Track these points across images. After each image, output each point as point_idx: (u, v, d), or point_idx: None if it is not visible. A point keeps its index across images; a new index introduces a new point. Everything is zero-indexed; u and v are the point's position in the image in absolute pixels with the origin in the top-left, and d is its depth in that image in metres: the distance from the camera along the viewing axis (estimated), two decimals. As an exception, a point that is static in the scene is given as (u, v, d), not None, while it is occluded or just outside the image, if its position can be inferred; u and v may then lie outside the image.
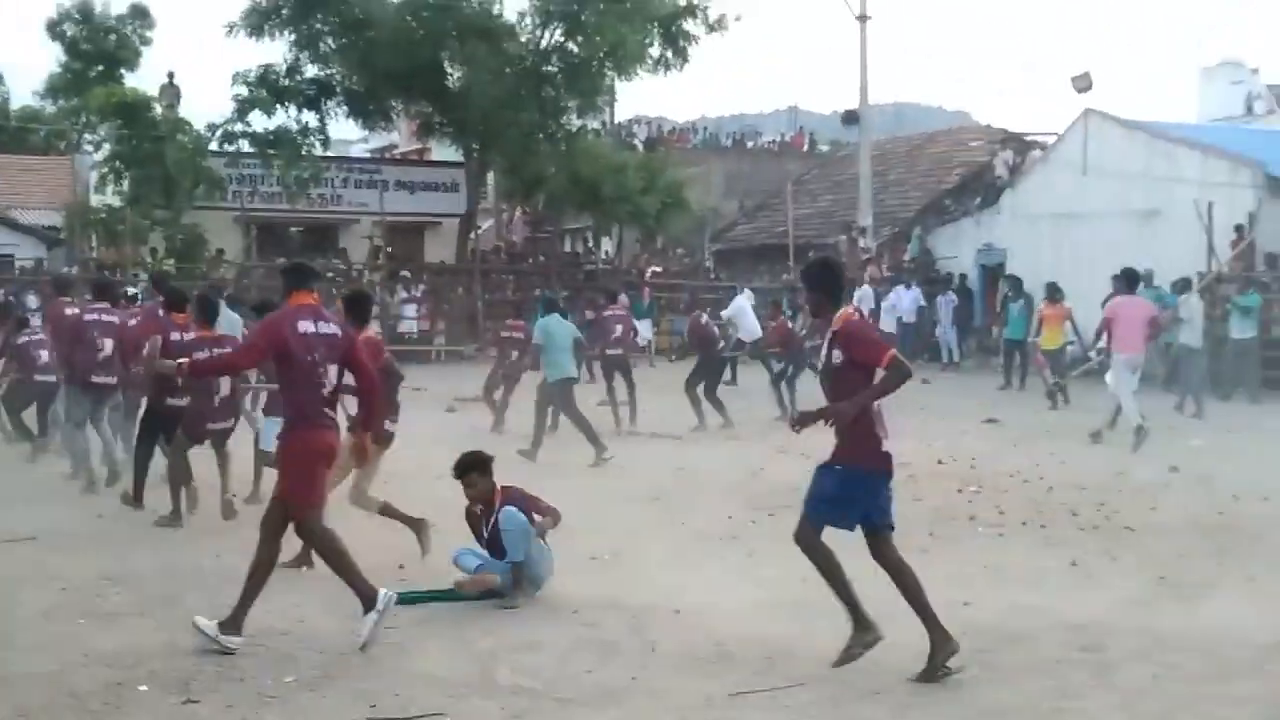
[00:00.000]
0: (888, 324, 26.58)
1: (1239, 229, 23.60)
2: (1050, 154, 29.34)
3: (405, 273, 30.98)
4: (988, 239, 29.65)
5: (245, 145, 31.42)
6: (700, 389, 16.95)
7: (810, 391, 16.81)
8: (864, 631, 6.49)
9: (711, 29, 31.54)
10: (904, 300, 27.62)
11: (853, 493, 6.58)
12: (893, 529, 6.70)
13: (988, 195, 31.28)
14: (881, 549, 6.62)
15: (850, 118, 34.74)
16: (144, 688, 6.31)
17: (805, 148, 46.25)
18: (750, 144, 46.39)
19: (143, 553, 9.22)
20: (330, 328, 7.22)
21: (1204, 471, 13.05)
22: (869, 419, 6.53)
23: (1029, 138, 34.84)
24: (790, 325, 19.18)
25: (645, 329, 26.25)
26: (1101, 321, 15.70)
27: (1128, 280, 15.84)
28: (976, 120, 54.31)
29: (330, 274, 30.94)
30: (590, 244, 39.92)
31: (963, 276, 29.49)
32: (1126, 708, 6.18)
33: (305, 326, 7.08)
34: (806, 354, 17.02)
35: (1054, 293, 20.31)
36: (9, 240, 32.28)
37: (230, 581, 8.26)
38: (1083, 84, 27.69)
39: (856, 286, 27.70)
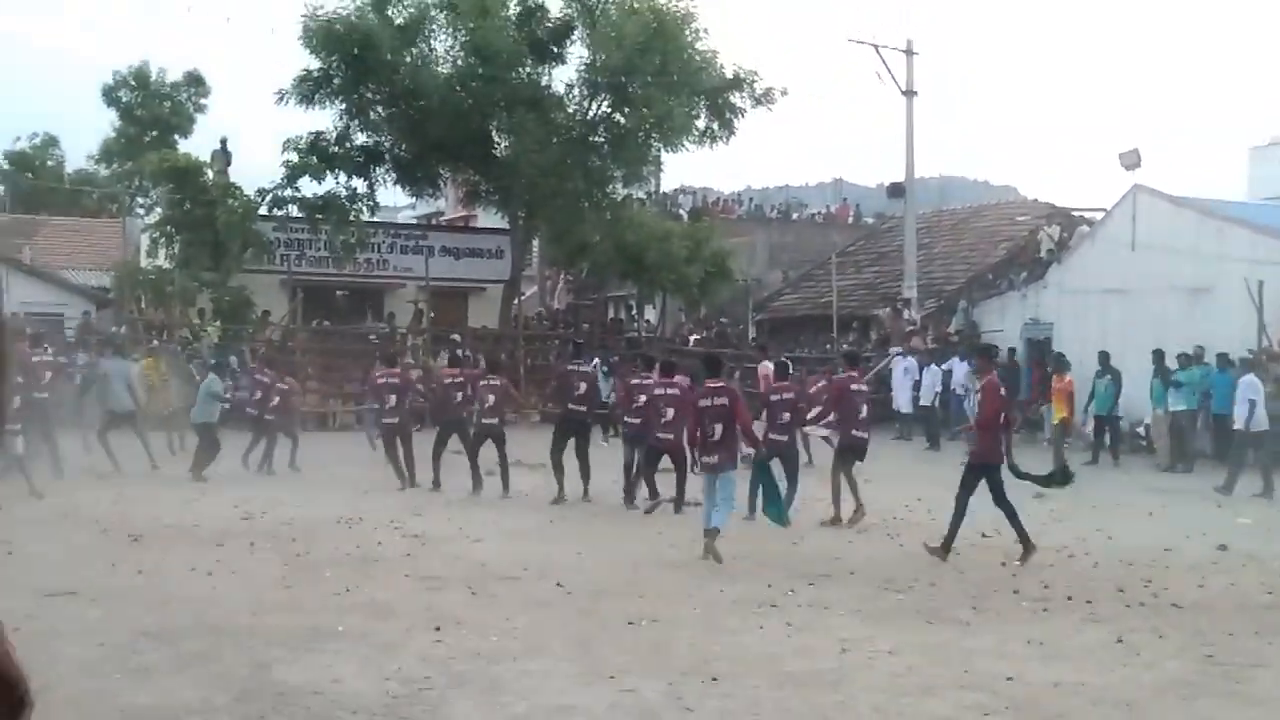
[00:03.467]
0: (927, 397, 26.52)
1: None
2: (1098, 229, 29.25)
3: (455, 336, 31.17)
4: (1034, 313, 29.52)
5: (294, 210, 31.81)
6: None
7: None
8: None
9: (758, 102, 31.79)
10: (958, 372, 27.40)
11: None
12: None
13: (1034, 269, 31.19)
14: None
15: (896, 190, 34.81)
16: (177, 744, 6.29)
17: (850, 220, 46.34)
18: (795, 215, 46.54)
19: (180, 609, 9.23)
20: None
21: (1253, 549, 12.84)
22: None
23: (1076, 213, 34.77)
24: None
25: None
26: None
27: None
28: (1023, 194, 54.20)
29: (373, 337, 31.27)
30: (634, 311, 40.03)
31: (1011, 350, 29.35)
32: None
33: None
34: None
35: (1060, 365, 20.37)
36: (59, 299, 32.75)
37: (265, 640, 8.29)
38: (1131, 161, 27.61)
39: (902, 356, 27.68)
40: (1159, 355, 22.55)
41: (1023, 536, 12.06)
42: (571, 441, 16.13)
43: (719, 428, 12.15)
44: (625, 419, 16.45)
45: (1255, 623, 9.49)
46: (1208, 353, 22.24)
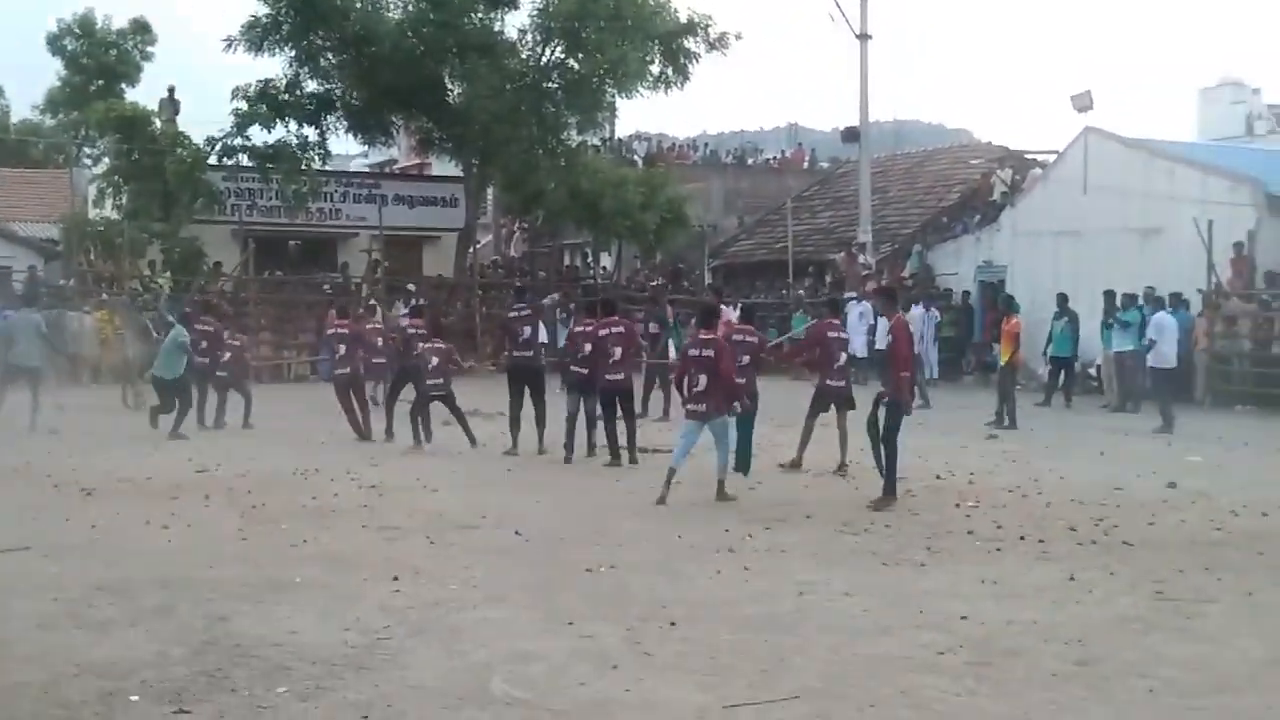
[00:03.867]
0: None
1: (1238, 247, 23.62)
2: (1051, 172, 29.39)
3: (411, 285, 31.00)
4: (988, 256, 29.68)
5: (244, 159, 31.42)
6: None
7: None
8: None
9: (712, 47, 31.65)
10: (914, 316, 27.48)
11: None
12: None
13: (988, 212, 31.32)
14: None
15: (851, 135, 34.75)
16: (135, 698, 6.27)
17: (805, 164, 46.34)
18: (750, 161, 46.48)
19: (135, 563, 9.18)
20: None
21: (1201, 487, 13.03)
22: None
23: (1029, 155, 34.90)
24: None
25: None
26: None
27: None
28: (977, 138, 54.34)
29: (327, 286, 31.05)
30: (589, 259, 39.94)
31: (965, 293, 29.52)
32: (1123, 722, 6.14)
33: None
34: None
35: (1009, 306, 20.46)
36: (6, 252, 32.34)
37: (222, 593, 8.27)
38: (1083, 103, 27.70)
39: (856, 301, 27.75)
40: (1109, 296, 22.72)
41: (891, 482, 12.11)
42: (526, 390, 15.82)
43: (703, 378, 12.23)
44: (571, 367, 15.69)
45: (1204, 559, 9.65)
46: (1159, 293, 22.42)
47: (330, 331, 18.19)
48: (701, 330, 12.85)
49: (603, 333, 14.92)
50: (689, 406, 12.43)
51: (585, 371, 15.12)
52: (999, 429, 18.68)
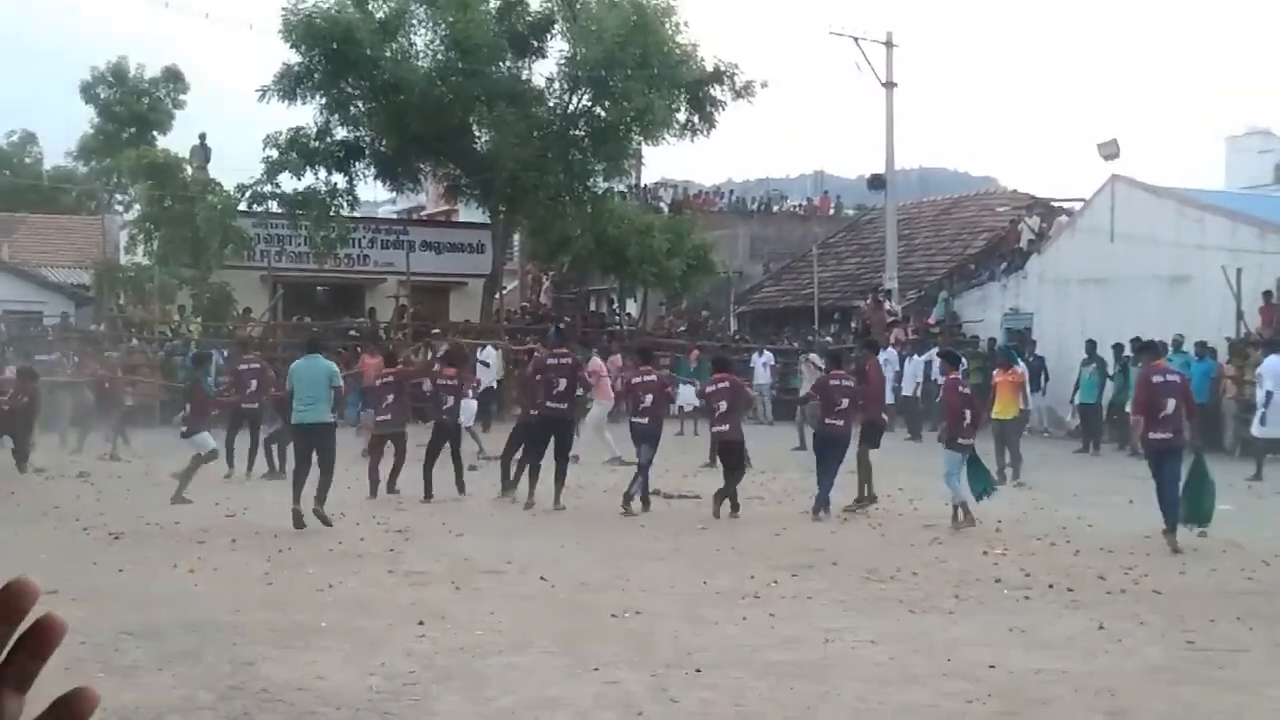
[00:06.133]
0: (909, 387, 26.65)
1: (1267, 295, 23.52)
2: (1077, 219, 29.36)
3: (435, 331, 31.15)
4: (1014, 303, 29.63)
5: (274, 206, 31.72)
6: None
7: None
8: None
9: (739, 95, 31.87)
10: (939, 363, 27.33)
11: None
12: None
13: (1014, 260, 31.29)
14: None
15: (876, 182, 34.86)
16: (160, 741, 6.27)
17: (831, 211, 46.40)
18: (776, 208, 46.59)
19: (162, 607, 9.20)
20: None
21: (1232, 536, 12.90)
22: None
23: (1056, 203, 34.90)
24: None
25: (688, 393, 23.50)
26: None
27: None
28: (1003, 185, 54.30)
29: (354, 332, 31.21)
30: (615, 305, 40.05)
31: (991, 341, 29.41)
32: (1155, 773, 6.06)
33: None
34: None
35: (1008, 358, 19.32)
36: (39, 297, 32.63)
37: (249, 638, 8.28)
38: (1109, 151, 27.72)
39: (882, 348, 27.69)
40: (1118, 348, 22.71)
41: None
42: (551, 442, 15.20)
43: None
44: (633, 419, 15.76)
45: (1236, 608, 9.55)
46: (1187, 341, 22.32)
47: (380, 382, 17.45)
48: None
49: (550, 362, 15.37)
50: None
51: (645, 421, 15.30)
52: (1005, 483, 17.65)
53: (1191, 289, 24.68)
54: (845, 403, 15.03)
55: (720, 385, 15.44)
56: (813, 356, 23.39)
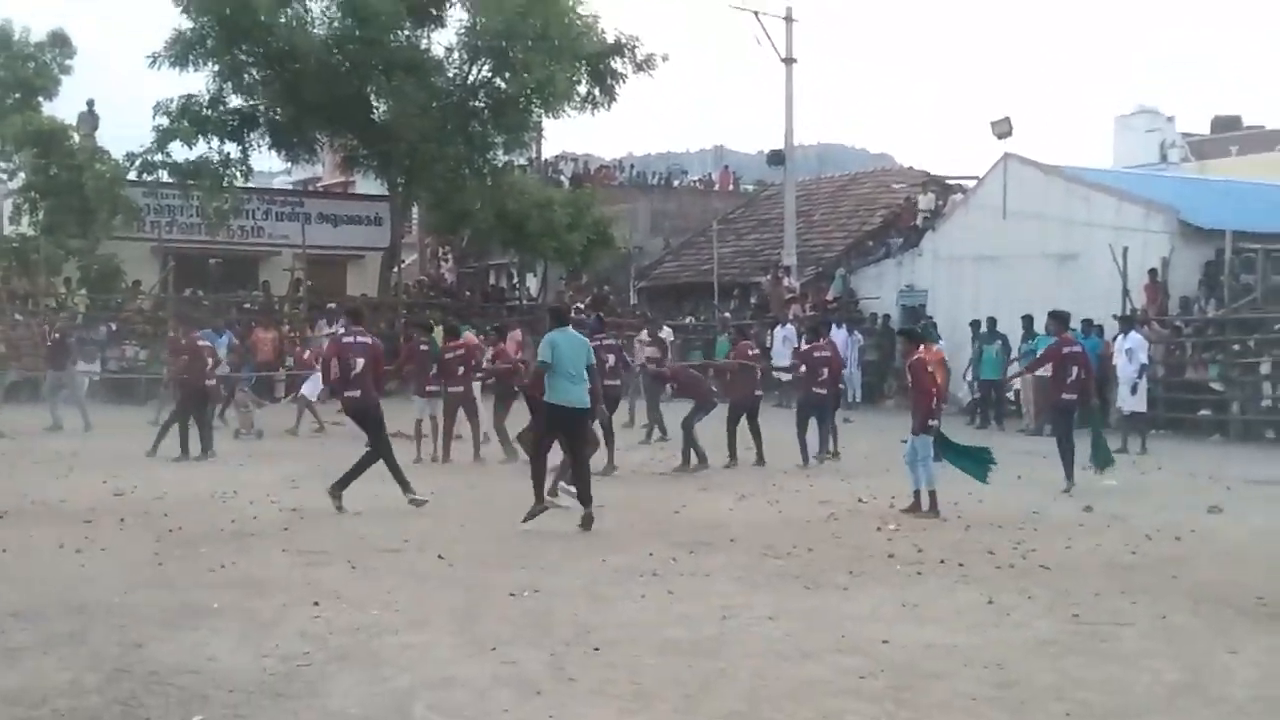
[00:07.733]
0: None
1: (1152, 273, 24.09)
2: (971, 197, 29.82)
3: (332, 305, 30.74)
4: (909, 280, 30.03)
5: (165, 175, 31.02)
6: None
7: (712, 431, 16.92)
8: None
9: (639, 68, 31.84)
10: (837, 339, 27.65)
11: None
12: None
13: (910, 237, 31.69)
14: None
15: (776, 158, 35.07)
16: (46, 727, 6.14)
17: (731, 187, 46.62)
18: (676, 182, 46.67)
19: (48, 588, 9.00)
20: None
21: (1117, 511, 13.24)
22: None
23: (950, 181, 35.38)
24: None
25: None
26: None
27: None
28: (899, 163, 55.03)
29: (248, 305, 30.71)
30: (515, 279, 39.88)
31: (885, 317, 29.81)
32: (1041, 745, 6.20)
33: None
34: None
35: (928, 334, 19.82)
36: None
37: (138, 619, 8.12)
38: (1003, 129, 28.16)
39: (780, 325, 27.93)
40: (1028, 321, 23.07)
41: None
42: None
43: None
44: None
45: (1120, 582, 9.79)
46: (1074, 319, 22.76)
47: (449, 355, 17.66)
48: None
49: (347, 340, 13.76)
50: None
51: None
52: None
53: (1080, 266, 25.20)
54: (825, 372, 17.21)
55: (822, 354, 17.36)
56: (642, 336, 24.19)
